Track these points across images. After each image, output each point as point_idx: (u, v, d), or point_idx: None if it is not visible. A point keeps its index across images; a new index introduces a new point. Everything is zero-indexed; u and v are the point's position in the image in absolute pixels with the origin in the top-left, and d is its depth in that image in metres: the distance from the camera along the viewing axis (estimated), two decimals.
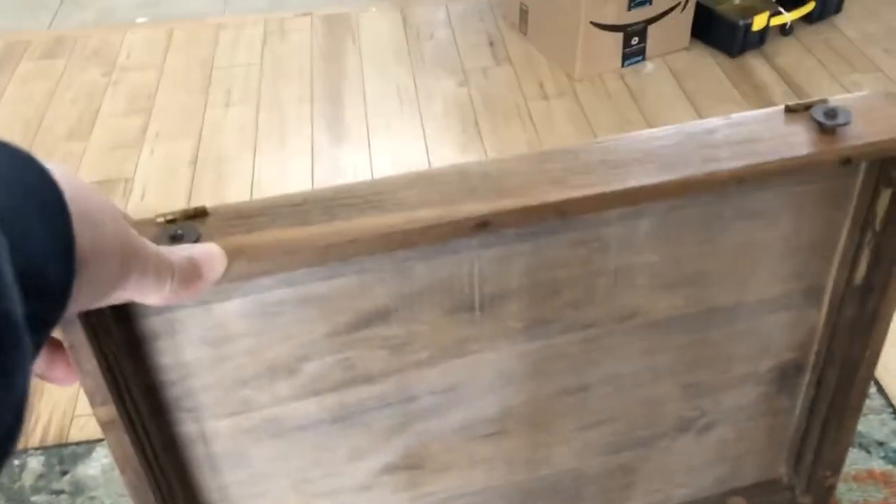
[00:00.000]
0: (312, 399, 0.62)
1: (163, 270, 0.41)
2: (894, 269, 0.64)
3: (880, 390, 1.14)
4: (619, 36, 1.87)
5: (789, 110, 0.59)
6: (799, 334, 0.72)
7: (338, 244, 0.51)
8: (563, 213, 0.54)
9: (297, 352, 0.60)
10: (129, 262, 0.38)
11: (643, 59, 1.92)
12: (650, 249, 0.63)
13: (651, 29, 1.89)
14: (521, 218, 0.53)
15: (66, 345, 0.49)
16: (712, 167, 0.55)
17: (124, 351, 0.55)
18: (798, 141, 0.57)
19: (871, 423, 1.11)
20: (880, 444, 1.07)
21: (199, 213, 0.51)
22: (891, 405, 1.12)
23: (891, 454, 1.05)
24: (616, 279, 0.64)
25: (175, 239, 0.48)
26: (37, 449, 1.27)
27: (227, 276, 0.48)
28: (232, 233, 0.50)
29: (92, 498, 1.22)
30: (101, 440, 1.31)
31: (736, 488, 0.83)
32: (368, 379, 0.63)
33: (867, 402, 1.02)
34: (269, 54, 1.98)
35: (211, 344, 0.57)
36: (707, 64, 1.90)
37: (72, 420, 1.32)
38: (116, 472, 1.28)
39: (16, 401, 0.26)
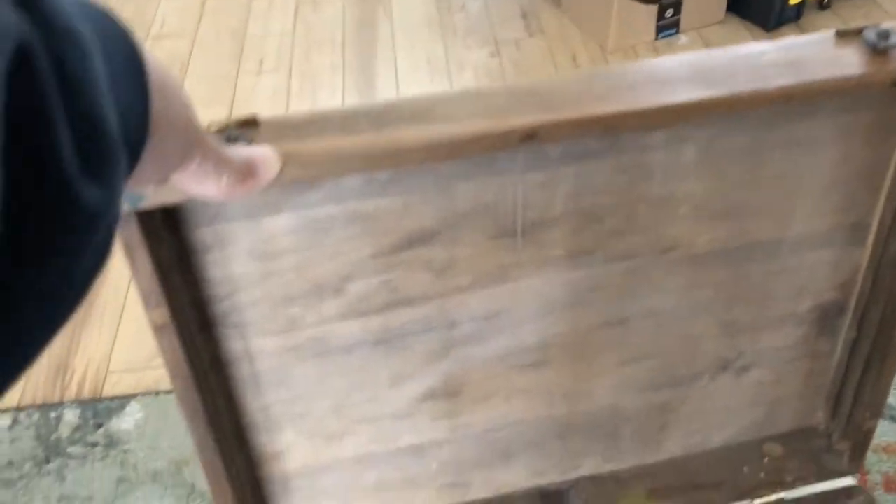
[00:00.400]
0: (357, 320, 0.63)
1: (221, 163, 0.43)
2: None
3: None
4: (654, 8, 1.86)
5: (840, 35, 0.59)
6: (842, 273, 0.71)
7: (386, 152, 0.51)
8: (610, 128, 0.54)
9: (343, 270, 0.60)
10: (193, 144, 0.39)
11: (677, 31, 1.91)
12: (694, 177, 0.63)
13: (686, 1, 1.88)
14: (567, 130, 0.53)
15: (121, 244, 0.50)
16: (760, 85, 0.55)
17: (175, 261, 0.55)
18: (849, 62, 0.56)
19: None
20: None
21: (250, 123, 0.52)
22: None
23: None
24: (659, 207, 0.64)
25: (231, 140, 0.49)
26: (72, 402, 1.30)
27: (278, 182, 0.49)
28: (283, 140, 0.51)
29: (125, 451, 1.24)
30: (133, 395, 1.33)
31: (773, 435, 0.82)
32: (411, 302, 0.63)
33: None
34: (301, 23, 1.99)
35: (259, 259, 0.58)
36: (742, 38, 1.88)
37: (105, 376, 1.34)
38: (148, 427, 1.30)
39: (113, 218, 0.27)
